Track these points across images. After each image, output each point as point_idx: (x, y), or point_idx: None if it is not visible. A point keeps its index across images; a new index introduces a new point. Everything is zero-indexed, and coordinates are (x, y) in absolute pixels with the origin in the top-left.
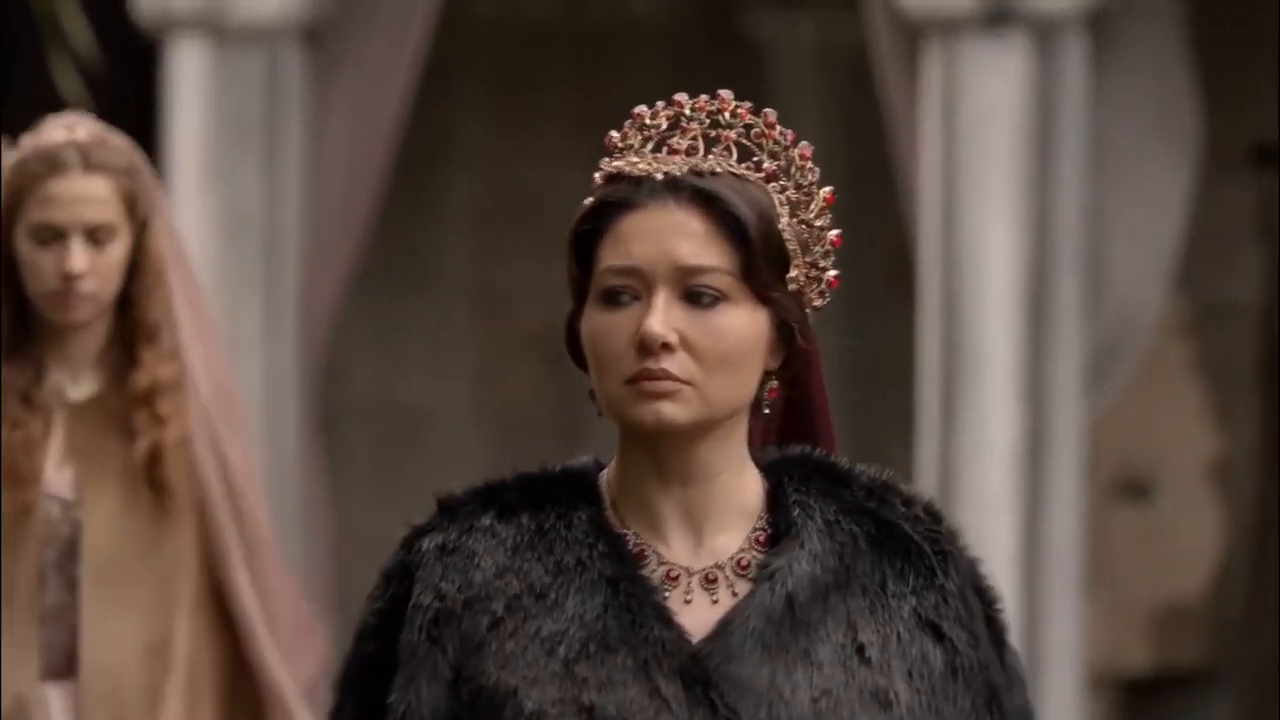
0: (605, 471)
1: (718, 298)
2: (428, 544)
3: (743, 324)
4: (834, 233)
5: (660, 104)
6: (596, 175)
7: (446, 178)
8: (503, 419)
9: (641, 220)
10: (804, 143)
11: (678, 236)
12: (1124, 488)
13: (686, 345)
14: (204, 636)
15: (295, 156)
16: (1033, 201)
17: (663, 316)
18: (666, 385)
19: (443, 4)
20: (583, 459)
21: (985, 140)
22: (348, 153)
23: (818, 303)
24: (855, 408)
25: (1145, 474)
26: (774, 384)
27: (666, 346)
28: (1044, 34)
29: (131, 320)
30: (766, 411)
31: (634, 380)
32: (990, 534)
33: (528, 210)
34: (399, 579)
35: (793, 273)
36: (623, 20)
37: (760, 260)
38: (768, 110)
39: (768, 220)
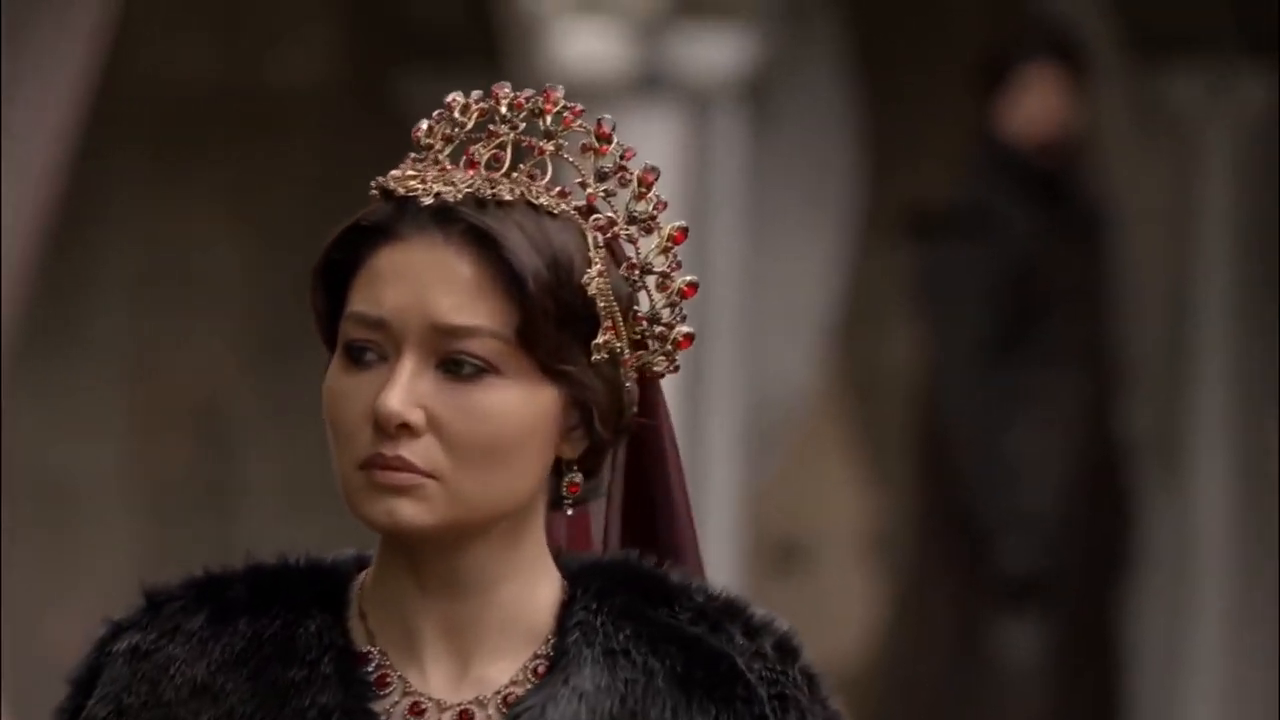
0: (366, 571)
1: (482, 369)
2: (122, 645)
3: (514, 404)
4: (685, 280)
5: (477, 95)
6: (373, 185)
7: (103, 241)
8: (154, 487)
9: (399, 258)
10: (647, 163)
11: (438, 285)
12: (780, 556)
13: (435, 427)
14: None
15: None
16: (688, 269)
17: (405, 389)
18: (403, 478)
19: (102, 67)
20: (346, 551)
21: None
22: (2, 215)
23: (660, 368)
24: None
25: (801, 542)
26: (575, 478)
27: (406, 428)
28: (698, 101)
29: None
30: (569, 513)
31: (367, 466)
32: None
33: (184, 275)
34: (86, 687)
35: (602, 337)
36: (279, 87)
37: (544, 323)
38: (603, 117)
39: (564, 270)
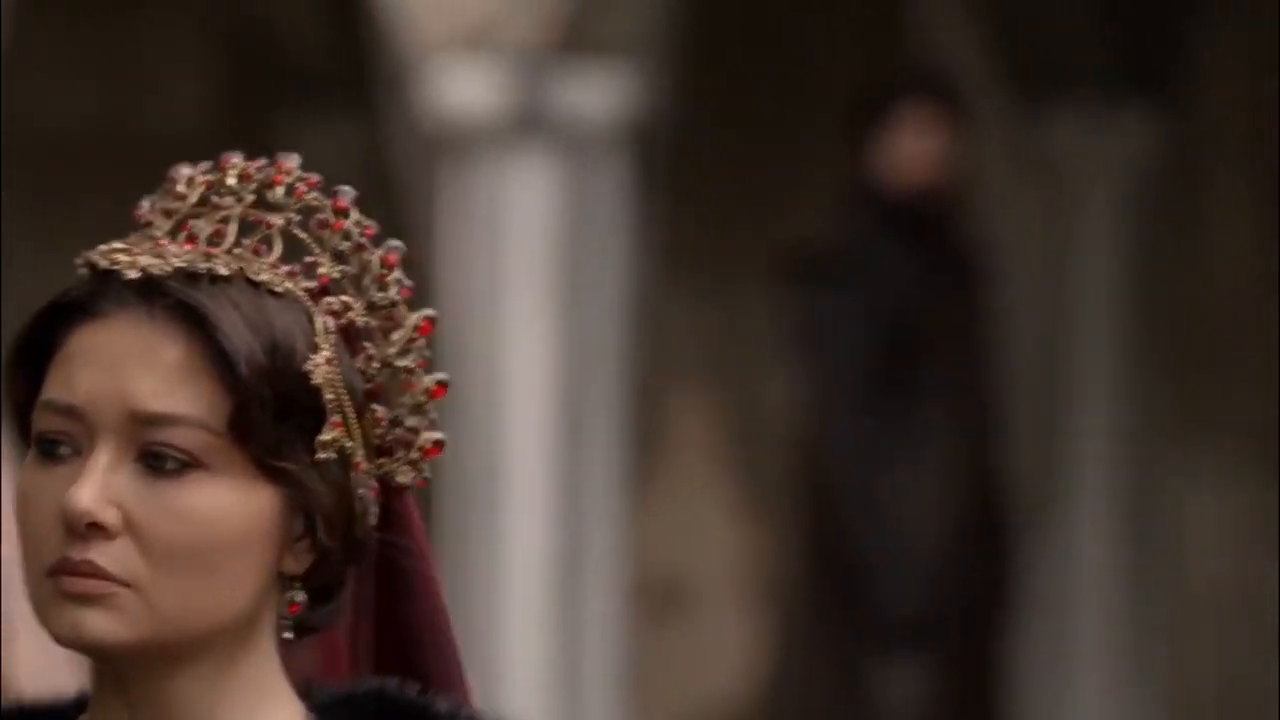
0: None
1: (187, 463)
2: None
3: (222, 504)
4: (433, 380)
5: (205, 166)
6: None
7: None
8: None
9: (98, 338)
10: (393, 243)
11: (139, 368)
12: (662, 601)
13: (132, 529)
14: None
15: None
16: (568, 310)
17: (98, 484)
18: (92, 585)
19: None
20: (69, 691)
21: (520, 247)
22: None
23: (405, 479)
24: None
25: (683, 586)
26: (296, 596)
27: (98, 529)
28: (578, 145)
29: None
30: (289, 636)
31: (55, 572)
32: (528, 648)
33: None
34: None
35: (329, 434)
36: (158, 131)
37: (259, 413)
38: (342, 189)
39: (284, 355)
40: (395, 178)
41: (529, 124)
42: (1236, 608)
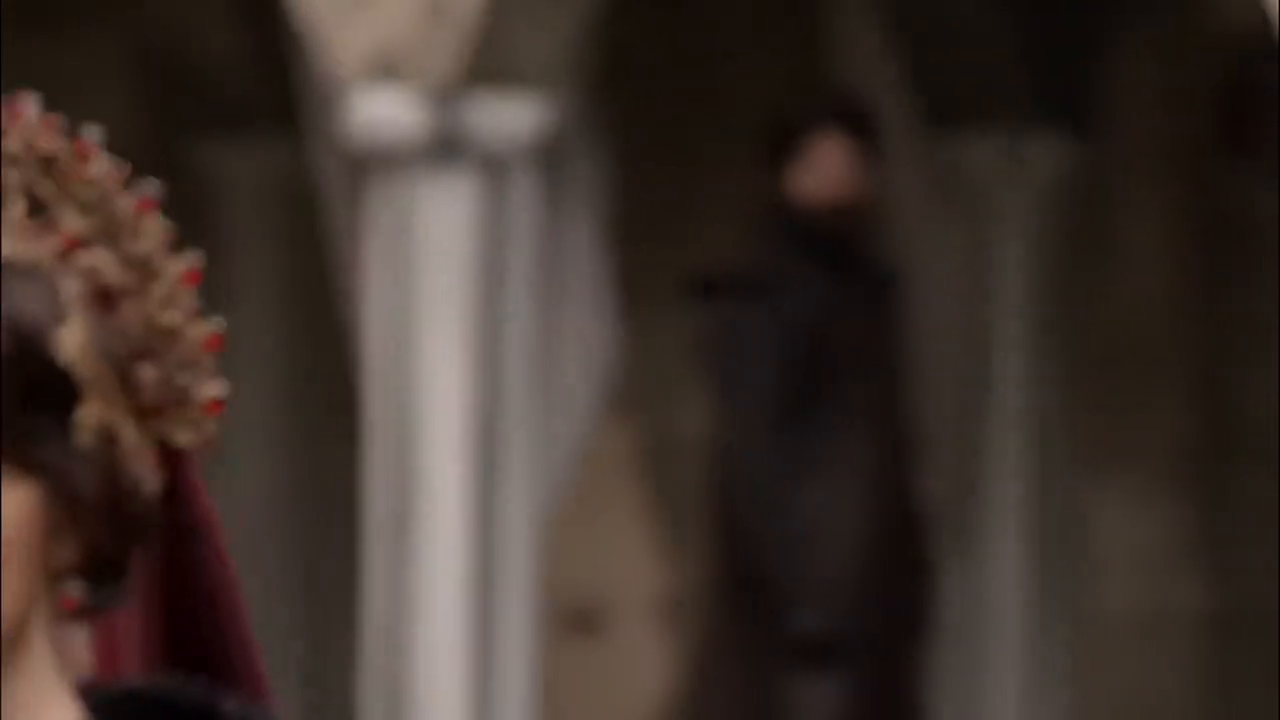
0: None
1: None
2: None
3: None
4: (205, 330)
5: None
6: None
7: None
8: None
9: None
10: (146, 187)
11: None
12: (575, 622)
13: None
14: None
15: None
16: (483, 334)
17: None
18: None
19: None
20: None
21: (435, 272)
22: None
23: (184, 440)
24: (294, 541)
25: (596, 608)
26: (72, 590)
27: None
28: (493, 167)
29: None
30: (82, 631)
31: None
32: (443, 669)
33: None
34: None
35: (88, 414)
36: None
37: (3, 405)
38: (86, 129)
39: (25, 334)
40: (318, 203)
41: (444, 150)
42: (1151, 630)
